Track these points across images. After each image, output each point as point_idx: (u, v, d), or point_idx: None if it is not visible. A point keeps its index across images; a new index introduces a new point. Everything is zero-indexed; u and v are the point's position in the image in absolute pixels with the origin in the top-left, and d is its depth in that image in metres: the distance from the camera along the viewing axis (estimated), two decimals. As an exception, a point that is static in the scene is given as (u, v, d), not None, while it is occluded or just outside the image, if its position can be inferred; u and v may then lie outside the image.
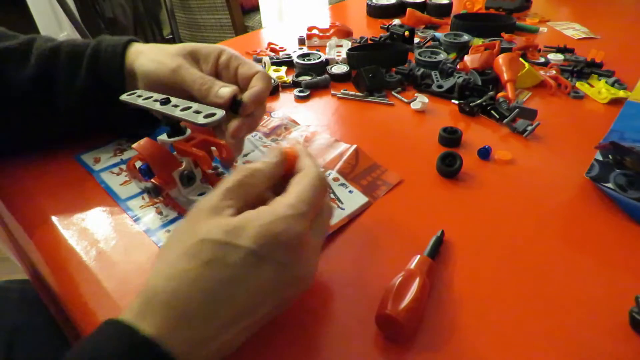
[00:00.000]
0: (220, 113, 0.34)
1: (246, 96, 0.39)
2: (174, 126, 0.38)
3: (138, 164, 0.39)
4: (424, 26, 0.90)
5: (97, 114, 0.46)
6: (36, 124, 0.45)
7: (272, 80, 0.64)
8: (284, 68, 0.70)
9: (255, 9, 1.94)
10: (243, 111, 0.39)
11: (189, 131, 0.39)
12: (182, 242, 0.25)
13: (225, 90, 0.39)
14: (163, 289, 0.24)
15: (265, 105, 0.43)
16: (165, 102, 0.37)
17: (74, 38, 0.47)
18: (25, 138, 0.47)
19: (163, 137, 0.38)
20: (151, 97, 0.39)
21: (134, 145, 0.38)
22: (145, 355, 0.22)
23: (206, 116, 0.34)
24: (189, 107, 0.36)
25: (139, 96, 0.39)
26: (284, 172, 0.31)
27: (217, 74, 0.43)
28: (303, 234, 0.27)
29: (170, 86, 0.41)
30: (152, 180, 0.38)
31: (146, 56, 0.43)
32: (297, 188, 0.28)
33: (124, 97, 0.40)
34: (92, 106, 0.45)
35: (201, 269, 0.24)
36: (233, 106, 0.39)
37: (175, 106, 0.36)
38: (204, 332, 0.23)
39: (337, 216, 0.40)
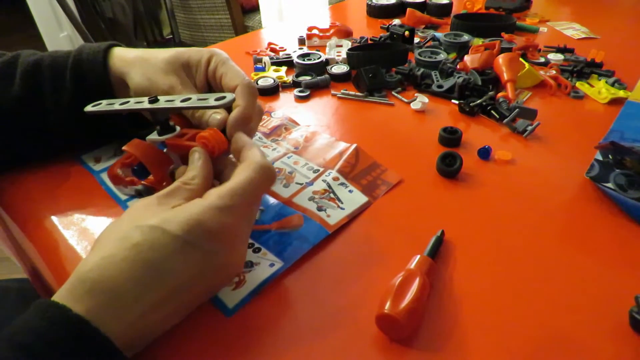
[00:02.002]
0: (230, 96, 0.34)
1: (229, 125, 0.36)
2: (164, 124, 0.37)
3: (121, 171, 0.37)
4: (424, 26, 0.90)
5: (90, 124, 0.45)
6: (29, 141, 0.45)
7: (273, 81, 0.64)
8: (284, 68, 0.70)
9: (255, 9, 1.94)
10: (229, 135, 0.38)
11: (178, 128, 0.38)
12: (117, 229, 0.27)
13: (215, 117, 0.38)
14: (92, 270, 0.25)
15: (259, 117, 0.42)
16: (154, 100, 0.36)
17: (55, 50, 0.46)
18: (18, 155, 0.46)
19: (153, 136, 0.37)
20: (128, 101, 0.37)
21: (124, 147, 0.36)
22: (74, 331, 0.23)
23: (217, 99, 0.33)
24: (189, 98, 0.35)
25: (110, 104, 0.38)
26: (217, 155, 0.33)
27: (208, 81, 0.42)
28: (231, 225, 0.28)
29: None
30: (143, 181, 0.37)
31: (137, 71, 0.41)
32: (233, 181, 0.30)
33: (88, 108, 0.39)
34: (83, 116, 0.44)
35: (129, 252, 0.25)
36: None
37: (169, 101, 0.35)
38: (131, 312, 0.25)
39: (337, 216, 0.40)
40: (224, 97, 0.33)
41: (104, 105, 0.38)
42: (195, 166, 0.32)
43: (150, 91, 0.41)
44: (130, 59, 0.43)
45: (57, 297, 0.24)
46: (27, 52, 0.46)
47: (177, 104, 0.34)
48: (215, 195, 0.28)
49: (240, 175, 0.30)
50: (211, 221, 0.27)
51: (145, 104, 0.36)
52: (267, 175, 0.31)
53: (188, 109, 0.34)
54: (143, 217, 0.27)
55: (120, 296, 0.24)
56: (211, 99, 0.33)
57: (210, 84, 0.42)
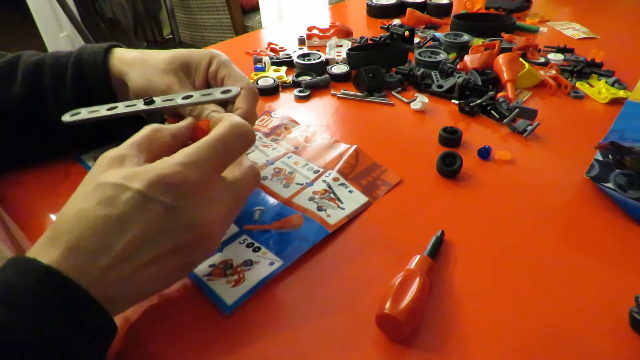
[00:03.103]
0: (235, 89, 0.33)
1: None
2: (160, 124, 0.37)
3: None
4: (424, 26, 0.90)
5: (90, 124, 0.45)
6: (29, 141, 0.44)
7: (273, 81, 0.64)
8: (284, 68, 0.70)
9: (255, 9, 1.94)
10: None
11: None
12: (84, 187, 0.28)
13: (212, 116, 0.38)
14: (59, 225, 0.26)
15: (255, 120, 0.42)
16: (150, 101, 0.35)
17: (56, 50, 0.46)
18: (18, 155, 0.46)
19: None
20: (116, 106, 0.36)
21: None
22: (43, 280, 0.24)
23: (223, 92, 0.33)
24: (191, 95, 0.34)
25: (94, 111, 0.36)
26: (194, 138, 0.33)
27: (208, 82, 0.42)
28: (195, 180, 0.28)
29: None
30: None
31: (136, 71, 0.42)
32: (204, 139, 0.29)
33: (66, 117, 0.36)
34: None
35: (93, 208, 0.26)
36: None
37: (168, 100, 0.35)
38: (98, 262, 0.25)
39: (337, 216, 0.40)
40: (229, 91, 0.33)
41: (83, 113, 0.36)
42: (176, 124, 0.33)
43: (149, 91, 0.41)
44: (129, 60, 0.43)
45: (29, 253, 0.26)
46: (28, 52, 0.46)
47: (179, 101, 0.34)
48: (183, 153, 0.28)
49: (211, 133, 0.30)
50: (173, 176, 0.27)
51: (140, 105, 0.35)
52: (239, 133, 0.30)
53: (192, 105, 0.34)
54: (110, 173, 0.27)
55: (86, 250, 0.25)
56: (216, 93, 0.33)
57: (211, 85, 0.42)
